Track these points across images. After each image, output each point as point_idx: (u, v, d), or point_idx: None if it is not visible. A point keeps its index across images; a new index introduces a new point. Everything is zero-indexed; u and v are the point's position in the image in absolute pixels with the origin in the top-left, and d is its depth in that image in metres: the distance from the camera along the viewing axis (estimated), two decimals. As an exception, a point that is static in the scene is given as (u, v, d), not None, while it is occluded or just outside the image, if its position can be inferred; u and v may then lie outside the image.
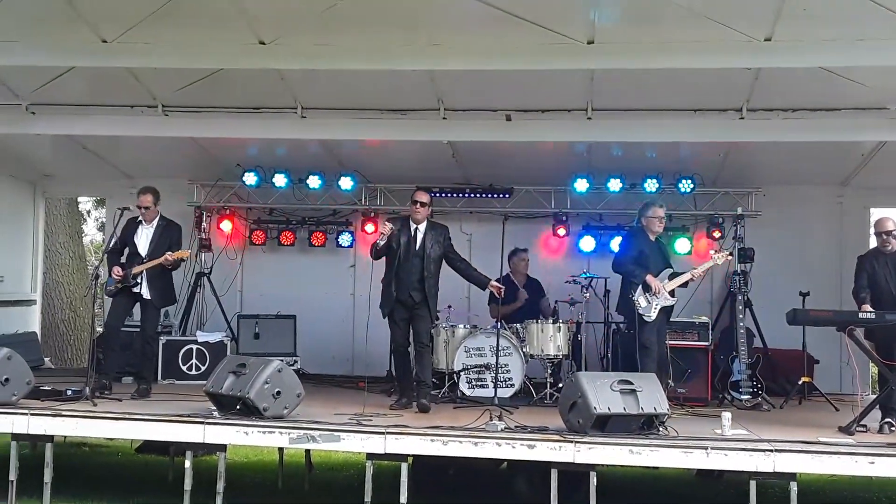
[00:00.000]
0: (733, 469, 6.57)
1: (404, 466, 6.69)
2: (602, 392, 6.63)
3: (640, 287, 8.23)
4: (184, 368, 10.06)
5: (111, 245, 8.77)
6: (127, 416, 7.22)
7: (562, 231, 11.05)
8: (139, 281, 8.47)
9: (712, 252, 8.79)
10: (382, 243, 8.12)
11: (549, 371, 9.07)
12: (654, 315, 8.19)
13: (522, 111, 9.05)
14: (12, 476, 7.01)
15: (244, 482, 8.87)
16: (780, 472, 6.36)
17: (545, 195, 11.09)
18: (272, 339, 10.71)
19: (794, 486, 6.35)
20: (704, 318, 9.65)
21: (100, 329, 9.01)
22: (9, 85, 9.17)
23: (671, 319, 8.69)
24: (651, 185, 10.39)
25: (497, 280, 8.72)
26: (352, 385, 10.03)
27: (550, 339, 9.09)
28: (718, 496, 8.49)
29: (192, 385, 9.27)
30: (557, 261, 11.11)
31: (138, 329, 8.85)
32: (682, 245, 10.68)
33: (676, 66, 7.67)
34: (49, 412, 7.19)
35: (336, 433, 6.83)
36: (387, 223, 8.23)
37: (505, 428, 6.87)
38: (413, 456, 6.83)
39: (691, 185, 10.46)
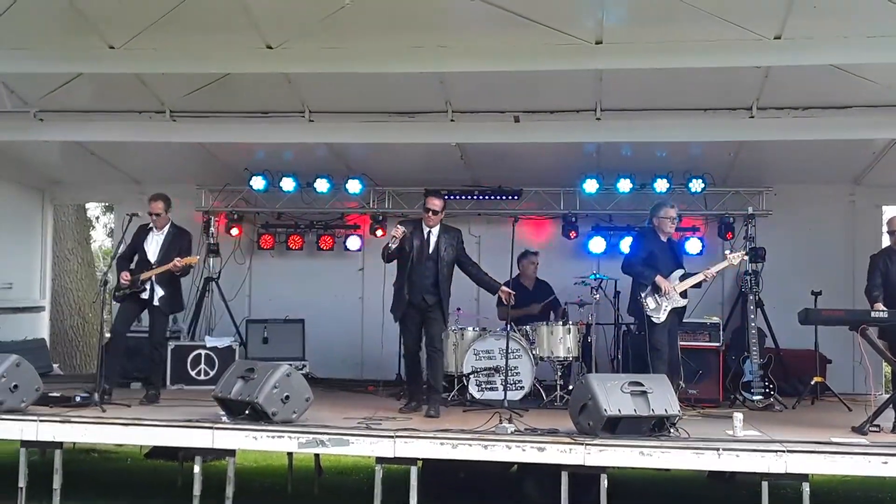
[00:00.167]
0: (745, 470, 6.51)
1: (414, 470, 6.66)
2: (612, 394, 6.59)
3: (649, 288, 8.18)
4: (192, 373, 10.07)
5: (120, 251, 8.77)
6: (136, 421, 7.19)
7: (573, 234, 11.02)
8: (147, 287, 8.46)
9: (727, 252, 8.71)
10: (394, 247, 8.07)
11: (559, 373, 9.04)
12: (663, 317, 8.13)
13: (531, 112, 9.02)
14: (22, 483, 7.00)
15: (253, 487, 8.84)
16: (793, 473, 6.32)
17: (554, 196, 11.07)
18: (281, 343, 10.72)
19: (806, 487, 6.30)
20: (716, 319, 9.61)
21: (108, 335, 9.00)
22: (17, 92, 9.17)
23: (683, 320, 8.64)
24: (661, 185, 10.35)
25: (506, 283, 8.70)
26: (361, 389, 10.04)
27: (560, 342, 9.06)
28: (730, 498, 8.43)
29: (200, 390, 9.26)
30: (567, 262, 11.05)
31: (146, 335, 8.83)
32: (692, 245, 10.64)
33: (685, 65, 7.63)
34: (58, 418, 7.18)
35: (345, 437, 6.80)
36: (399, 226, 8.15)
37: (515, 431, 6.84)
38: (422, 459, 6.81)
39: (702, 185, 10.41)
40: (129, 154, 10.90)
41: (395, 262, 8.28)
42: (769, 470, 6.33)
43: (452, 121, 9.09)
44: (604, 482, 6.44)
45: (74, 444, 8.63)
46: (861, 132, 8.85)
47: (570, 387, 8.47)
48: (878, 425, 7.17)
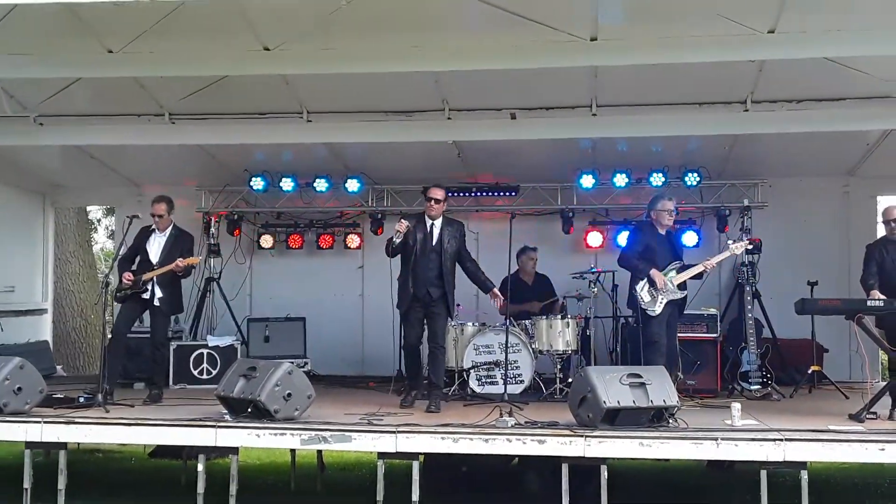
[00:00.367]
0: (744, 459, 6.55)
1: (416, 465, 6.70)
2: (611, 386, 6.64)
3: (643, 282, 8.21)
4: (195, 373, 10.13)
5: (122, 253, 8.82)
6: (139, 421, 7.23)
7: (571, 230, 11.09)
8: (149, 287, 8.51)
9: (729, 242, 8.74)
10: (399, 241, 8.08)
11: (559, 366, 9.09)
12: (658, 310, 8.15)
13: (527, 109, 9.09)
14: (27, 484, 7.05)
15: (257, 484, 8.91)
16: (791, 461, 6.37)
17: (551, 192, 11.13)
18: (282, 341, 10.78)
19: (804, 475, 6.35)
20: (713, 310, 9.66)
21: (110, 336, 9.05)
22: (17, 97, 9.23)
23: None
24: (657, 180, 10.41)
25: (505, 279, 8.76)
26: (362, 385, 10.10)
27: (559, 335, 9.11)
28: (729, 487, 8.49)
29: (203, 389, 9.31)
30: (564, 256, 11.11)
31: (148, 335, 8.88)
32: (689, 238, 10.71)
33: (680, 60, 7.65)
34: (62, 419, 7.22)
35: (347, 433, 6.85)
36: (403, 220, 8.14)
37: (515, 424, 6.89)
38: (424, 454, 6.85)
39: (697, 179, 10.47)
40: (128, 157, 10.96)
41: (399, 256, 8.27)
42: (767, 458, 6.38)
43: (449, 119, 9.14)
44: (604, 473, 6.48)
45: (79, 444, 8.67)
46: (855, 124, 8.91)
47: (570, 380, 8.51)
48: (874, 413, 7.22)
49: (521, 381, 8.99)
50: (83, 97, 9.08)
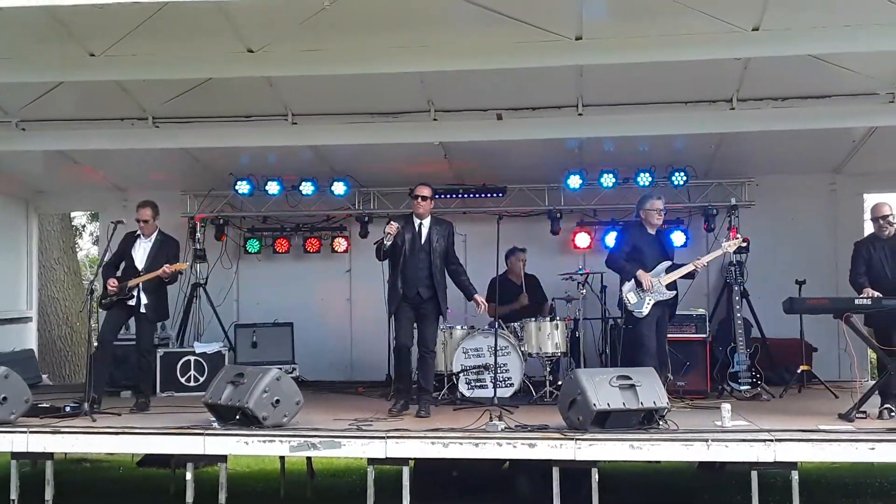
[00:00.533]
0: (734, 460, 6.56)
1: (406, 470, 6.66)
2: (601, 388, 6.62)
3: (629, 283, 8.16)
4: (182, 380, 10.03)
5: (106, 259, 8.73)
6: (126, 430, 7.17)
7: (559, 231, 11.07)
8: (134, 294, 8.43)
9: (723, 240, 8.71)
10: (388, 243, 7.99)
11: (548, 369, 9.06)
12: (645, 311, 8.08)
13: (513, 109, 9.06)
14: (13, 495, 6.97)
15: (246, 492, 8.86)
16: (781, 461, 6.35)
17: (539, 193, 11.10)
18: (270, 347, 10.72)
19: (795, 475, 6.33)
20: (701, 311, 9.64)
21: (97, 344, 8.98)
22: (-2, 102, 9.16)
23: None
24: (644, 179, 10.40)
25: (493, 280, 8.71)
26: (351, 391, 10.04)
27: (548, 337, 9.08)
28: (720, 488, 8.49)
29: (190, 397, 9.24)
30: (553, 258, 11.07)
31: (134, 343, 8.79)
32: (677, 237, 10.69)
33: (665, 59, 7.64)
34: (48, 429, 7.15)
35: (336, 439, 6.79)
36: (392, 223, 8.05)
37: (505, 428, 6.85)
38: (414, 459, 6.81)
39: (684, 178, 10.46)
40: (112, 162, 10.87)
41: (388, 260, 8.18)
42: (758, 459, 6.36)
43: (435, 120, 9.11)
44: (595, 476, 6.46)
45: (66, 454, 8.59)
46: (840, 121, 8.92)
47: (559, 382, 8.50)
48: (864, 412, 7.23)
49: (511, 385, 8.95)
50: (66, 101, 9.01)
